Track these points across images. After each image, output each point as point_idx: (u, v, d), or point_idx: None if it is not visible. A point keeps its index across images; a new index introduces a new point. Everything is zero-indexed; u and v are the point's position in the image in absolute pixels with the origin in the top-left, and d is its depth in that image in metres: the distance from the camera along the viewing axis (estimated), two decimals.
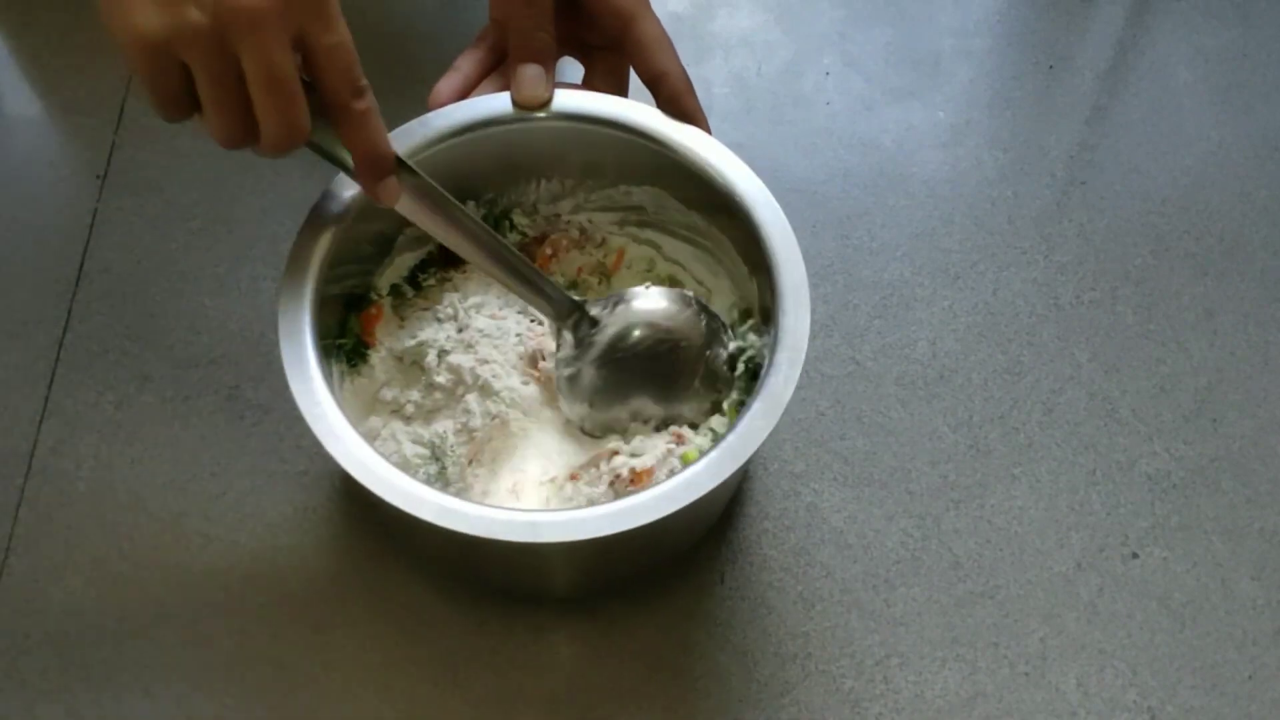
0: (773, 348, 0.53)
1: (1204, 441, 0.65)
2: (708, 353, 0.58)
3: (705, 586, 0.61)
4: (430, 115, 0.58)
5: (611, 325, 0.58)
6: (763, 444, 0.51)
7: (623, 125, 0.58)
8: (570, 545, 0.49)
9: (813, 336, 0.67)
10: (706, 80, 0.76)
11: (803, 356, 0.53)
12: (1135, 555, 0.62)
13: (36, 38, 0.78)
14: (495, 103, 0.59)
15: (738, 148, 0.74)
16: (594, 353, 0.58)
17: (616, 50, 0.59)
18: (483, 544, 0.49)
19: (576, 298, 0.59)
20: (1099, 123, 0.74)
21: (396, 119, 0.57)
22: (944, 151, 0.74)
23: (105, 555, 0.63)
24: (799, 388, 0.66)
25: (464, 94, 0.60)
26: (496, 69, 0.61)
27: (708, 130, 0.59)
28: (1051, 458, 0.64)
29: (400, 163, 0.52)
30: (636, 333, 0.58)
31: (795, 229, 0.71)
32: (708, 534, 0.62)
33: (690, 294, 0.60)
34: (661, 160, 0.59)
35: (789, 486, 0.64)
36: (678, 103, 0.58)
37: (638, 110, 0.59)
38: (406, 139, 0.57)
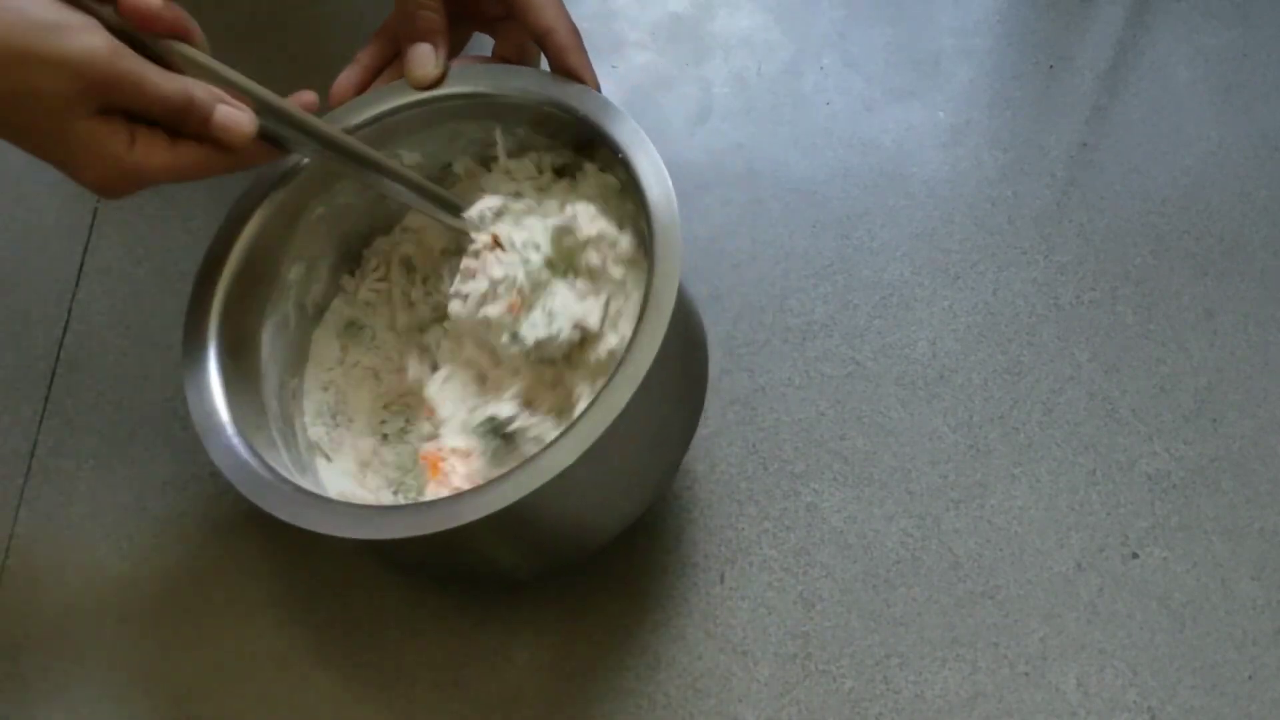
0: (640, 318, 0.51)
1: (1204, 441, 0.65)
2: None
3: (705, 586, 0.61)
4: (335, 112, 0.58)
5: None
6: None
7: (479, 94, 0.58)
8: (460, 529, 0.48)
9: (813, 336, 0.68)
10: (706, 80, 0.76)
11: (665, 323, 0.50)
12: (1135, 555, 0.62)
13: None
14: (391, 92, 0.58)
15: (738, 148, 0.75)
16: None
17: (514, 17, 0.58)
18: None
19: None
20: (1099, 123, 0.74)
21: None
22: (944, 151, 0.74)
23: (105, 555, 0.63)
24: (798, 387, 0.66)
25: (363, 86, 0.59)
26: (398, 58, 0.60)
27: (595, 86, 0.57)
28: (1051, 458, 0.64)
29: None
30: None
31: (795, 229, 0.72)
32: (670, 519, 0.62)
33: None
34: (547, 116, 0.58)
35: (789, 486, 0.64)
36: (563, 58, 0.57)
37: (512, 73, 0.58)
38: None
